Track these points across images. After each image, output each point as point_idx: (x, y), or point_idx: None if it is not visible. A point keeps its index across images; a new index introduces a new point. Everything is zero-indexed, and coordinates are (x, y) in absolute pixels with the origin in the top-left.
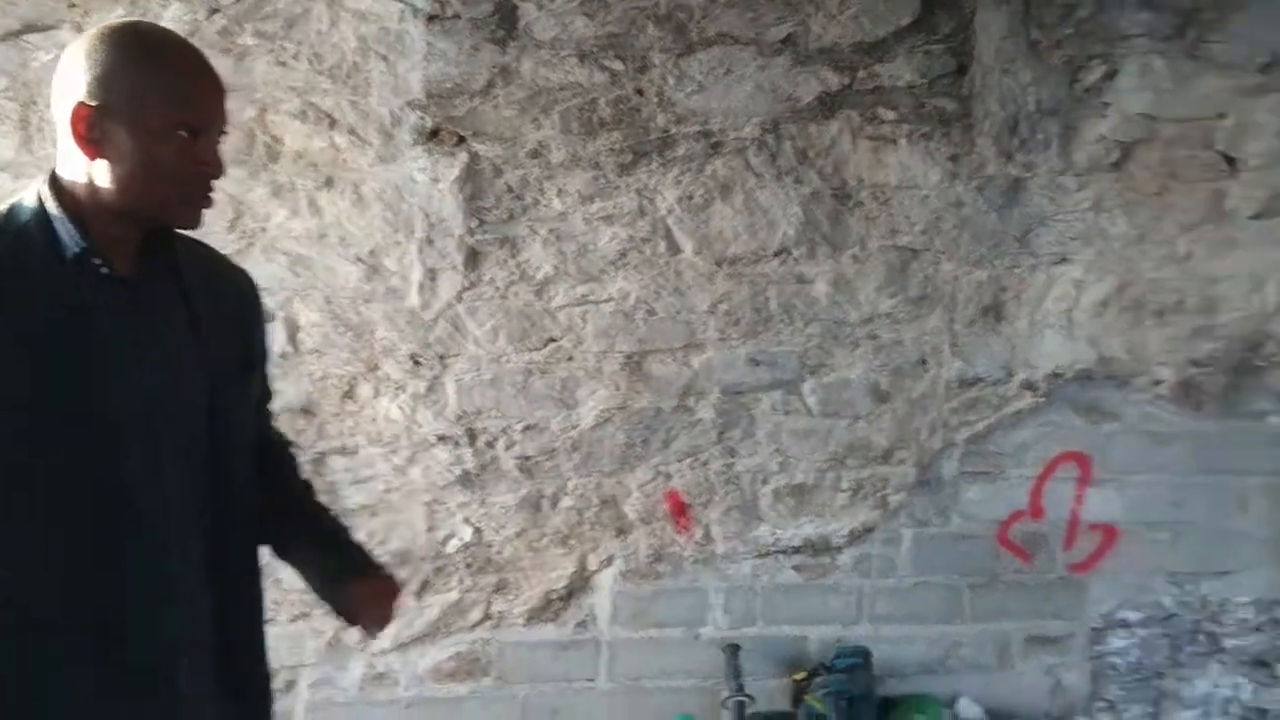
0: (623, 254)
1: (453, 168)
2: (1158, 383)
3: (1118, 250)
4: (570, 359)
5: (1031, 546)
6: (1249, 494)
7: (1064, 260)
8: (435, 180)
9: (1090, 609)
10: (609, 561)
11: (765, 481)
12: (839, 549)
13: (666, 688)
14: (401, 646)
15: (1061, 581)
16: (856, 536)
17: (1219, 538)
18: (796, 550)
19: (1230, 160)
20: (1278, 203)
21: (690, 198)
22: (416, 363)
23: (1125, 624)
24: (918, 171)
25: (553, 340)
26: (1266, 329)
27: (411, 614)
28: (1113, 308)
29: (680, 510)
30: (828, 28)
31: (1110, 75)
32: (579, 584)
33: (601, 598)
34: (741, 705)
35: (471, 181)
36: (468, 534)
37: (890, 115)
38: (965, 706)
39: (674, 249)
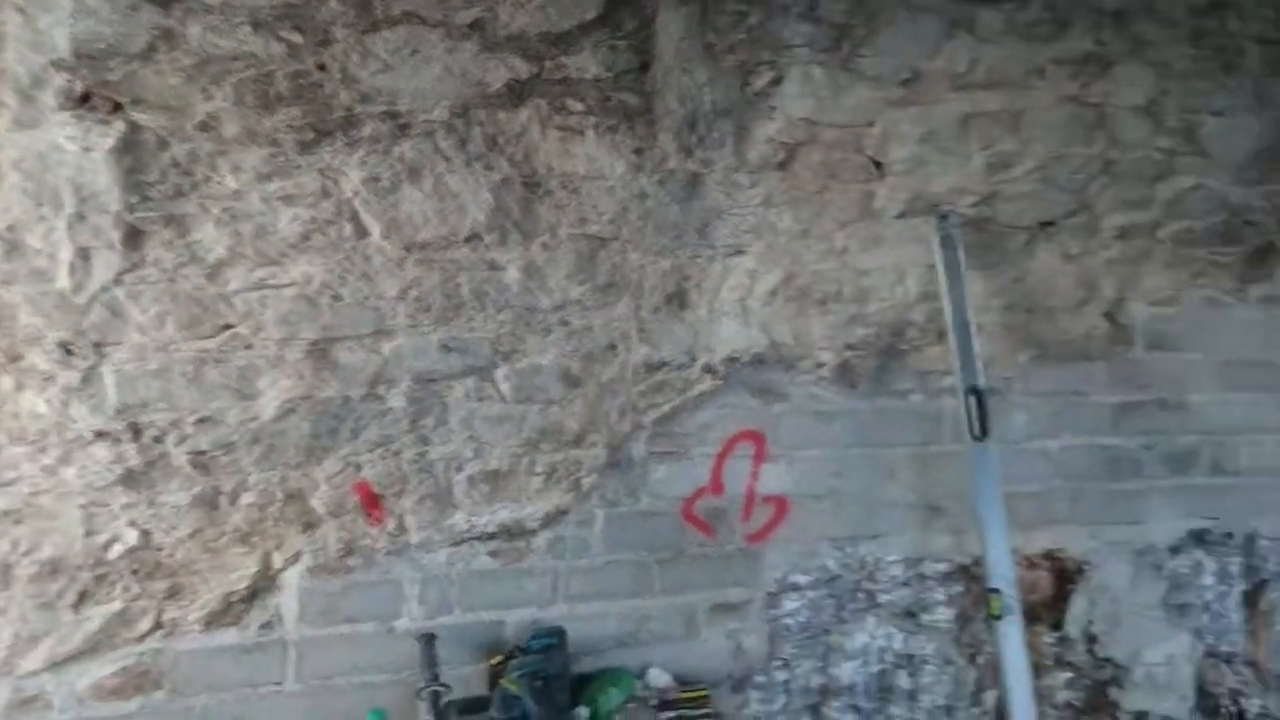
0: (305, 236)
1: (108, 137)
2: (820, 365)
3: (784, 244)
4: (249, 347)
5: (714, 520)
6: (897, 464)
7: (739, 252)
8: (87, 150)
9: (766, 575)
10: (295, 558)
11: (460, 469)
12: (534, 532)
13: (359, 684)
14: (55, 665)
15: (740, 552)
16: (551, 519)
17: (873, 504)
18: (492, 536)
19: (878, 164)
20: (918, 203)
21: (377, 180)
22: (68, 352)
23: (796, 587)
24: (604, 163)
25: (229, 327)
26: (908, 317)
27: (66, 628)
28: (781, 296)
29: (371, 501)
30: (515, 15)
31: (777, 81)
32: (263, 584)
33: (288, 596)
34: (436, 695)
35: (131, 153)
36: (133, 537)
37: (578, 106)
38: (655, 675)
39: (361, 232)
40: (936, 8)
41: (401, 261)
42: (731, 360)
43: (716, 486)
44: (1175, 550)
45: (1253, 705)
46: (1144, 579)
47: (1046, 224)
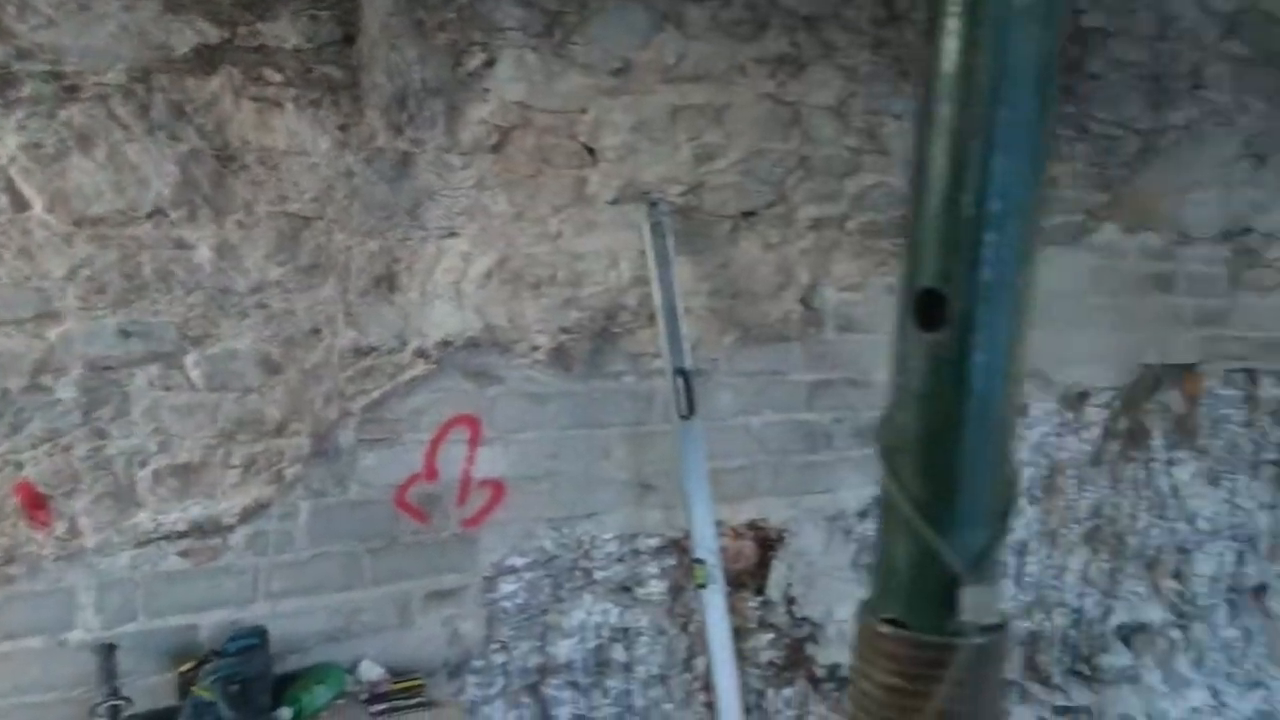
0: None
1: None
2: (535, 348)
3: (499, 226)
4: None
5: (428, 507)
6: (611, 444)
7: (452, 234)
8: None
9: (482, 559)
10: None
11: (143, 464)
12: (231, 529)
13: (23, 706)
14: None
15: (456, 537)
16: (250, 514)
17: (589, 484)
18: (183, 535)
19: (591, 151)
20: (629, 190)
21: (39, 146)
22: None
23: (514, 569)
24: (306, 138)
25: None
26: (621, 301)
27: None
28: (495, 280)
29: (35, 503)
30: None
31: (490, 63)
32: None
33: None
34: (115, 709)
35: None
36: None
37: (276, 77)
38: (366, 668)
39: (19, 205)
40: (645, 0)
41: (70, 238)
42: (445, 344)
43: (430, 472)
44: (863, 515)
45: None
46: (836, 543)
47: (749, 214)
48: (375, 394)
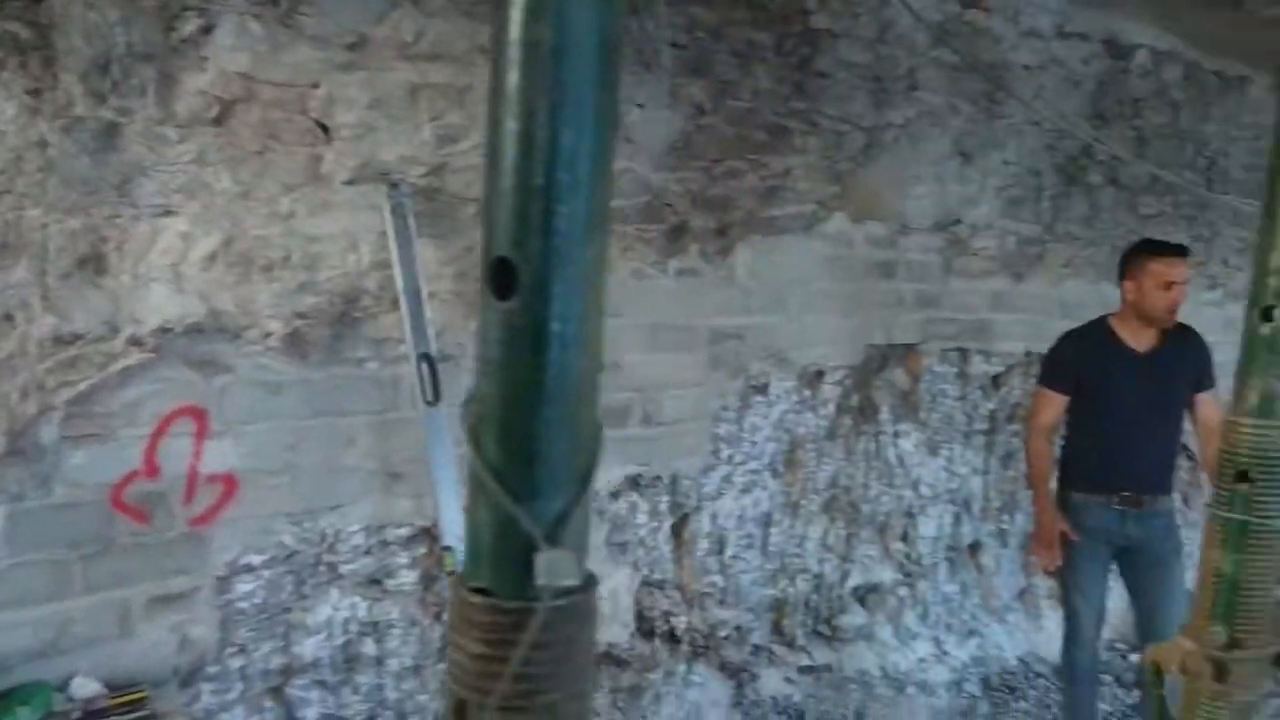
0: None
1: None
2: (268, 335)
3: (224, 205)
4: None
5: (149, 506)
6: (355, 433)
7: (169, 212)
8: None
9: (214, 559)
10: None
11: None
12: None
13: None
14: None
15: (184, 537)
16: None
17: (332, 475)
18: None
19: (325, 128)
20: (368, 171)
21: None
22: None
23: (250, 568)
24: None
25: None
26: (361, 285)
27: None
28: (221, 262)
29: None
30: None
31: (208, 29)
32: None
33: None
34: None
35: None
36: None
37: None
38: (80, 685)
39: None
40: None
41: None
42: (163, 331)
43: (151, 469)
44: (615, 495)
45: (682, 623)
46: (590, 523)
47: None
48: (82, 386)
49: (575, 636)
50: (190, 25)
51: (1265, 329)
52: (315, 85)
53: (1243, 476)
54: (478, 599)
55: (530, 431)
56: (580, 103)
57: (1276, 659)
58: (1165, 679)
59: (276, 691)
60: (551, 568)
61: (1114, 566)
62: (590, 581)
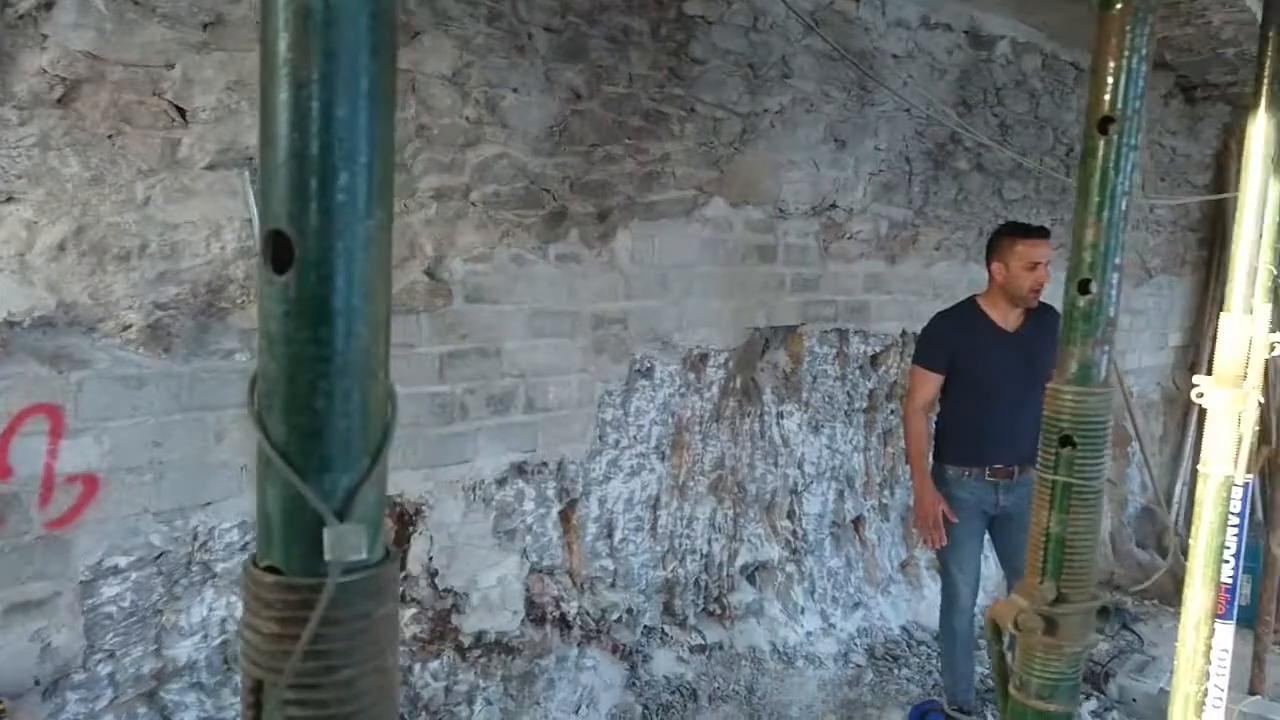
0: None
1: None
2: (127, 327)
3: (72, 192)
4: None
5: (2, 510)
6: (225, 427)
7: (11, 199)
8: None
9: (76, 563)
10: None
11: None
12: None
13: None
14: None
15: (41, 541)
16: None
17: (202, 471)
18: None
19: (181, 111)
20: (228, 155)
21: None
22: None
23: (116, 570)
24: None
25: None
26: (227, 274)
27: None
28: (72, 252)
29: None
30: None
31: (48, 6)
32: None
33: None
34: None
35: None
36: None
37: None
38: None
39: None
40: None
41: None
42: (10, 324)
43: (2, 470)
44: (501, 482)
45: (573, 607)
46: (475, 512)
47: None
48: None
49: (371, 611)
50: (28, 2)
51: (1082, 301)
52: (169, 66)
53: (1066, 441)
54: (268, 578)
55: (315, 407)
56: (354, 72)
57: (1101, 611)
58: (1003, 635)
59: (150, 696)
60: (339, 543)
61: (986, 535)
62: (388, 555)
